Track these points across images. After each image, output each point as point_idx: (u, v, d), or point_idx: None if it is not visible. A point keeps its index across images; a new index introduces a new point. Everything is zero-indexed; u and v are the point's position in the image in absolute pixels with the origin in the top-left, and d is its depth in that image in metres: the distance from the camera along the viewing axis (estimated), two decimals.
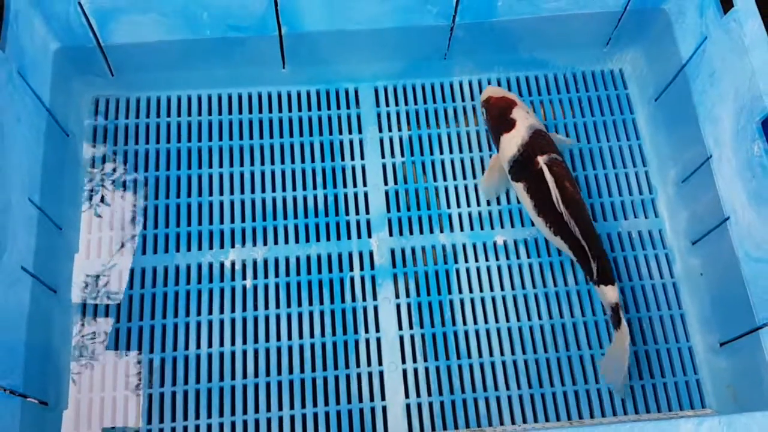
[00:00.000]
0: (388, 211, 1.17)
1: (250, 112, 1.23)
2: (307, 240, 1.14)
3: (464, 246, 1.15)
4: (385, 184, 1.18)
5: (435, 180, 1.19)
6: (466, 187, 1.19)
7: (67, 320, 1.06)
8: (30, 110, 1.02)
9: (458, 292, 1.11)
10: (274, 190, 1.17)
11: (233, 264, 1.12)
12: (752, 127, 0.96)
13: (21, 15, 1.00)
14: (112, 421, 1.02)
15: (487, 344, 1.09)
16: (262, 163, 1.19)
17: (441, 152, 1.21)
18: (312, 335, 1.08)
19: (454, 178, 1.19)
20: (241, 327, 1.08)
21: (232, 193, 1.17)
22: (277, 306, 1.10)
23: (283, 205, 1.16)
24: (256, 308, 1.09)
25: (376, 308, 1.10)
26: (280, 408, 1.04)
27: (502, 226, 1.16)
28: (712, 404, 1.06)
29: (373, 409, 1.04)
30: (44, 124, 1.06)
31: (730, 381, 1.03)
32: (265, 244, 1.13)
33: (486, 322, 1.10)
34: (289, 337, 1.08)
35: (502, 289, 1.12)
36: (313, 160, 1.20)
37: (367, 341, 1.08)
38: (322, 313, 1.09)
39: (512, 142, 1.10)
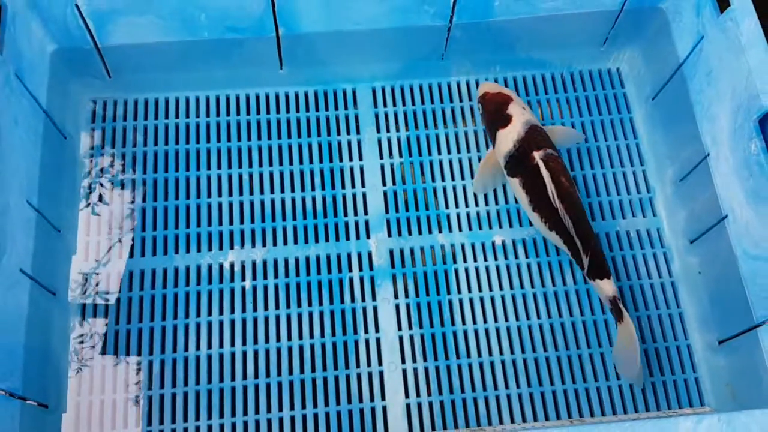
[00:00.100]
0: (387, 211, 1.17)
1: (248, 113, 1.23)
2: (306, 241, 1.14)
3: (463, 246, 1.15)
4: (384, 184, 1.19)
5: (433, 180, 1.19)
6: (464, 188, 1.19)
7: (66, 322, 1.06)
8: (27, 112, 1.02)
9: (457, 292, 1.12)
10: (272, 192, 1.17)
11: (232, 265, 1.12)
12: (749, 126, 0.96)
13: (18, 17, 1.00)
14: (112, 423, 1.02)
15: (487, 344, 1.09)
16: (261, 165, 1.19)
17: (439, 152, 1.21)
18: (312, 336, 1.08)
19: (453, 179, 1.19)
20: (241, 328, 1.08)
21: (230, 194, 1.17)
22: (277, 307, 1.10)
23: (282, 206, 1.16)
24: (255, 309, 1.09)
25: (375, 309, 1.10)
26: (281, 409, 1.04)
27: (501, 226, 1.16)
28: (710, 402, 1.07)
29: (373, 409, 1.04)
30: (42, 126, 1.06)
31: (729, 379, 1.03)
32: (264, 245, 1.13)
33: (485, 321, 1.10)
34: (289, 338, 1.08)
35: (501, 288, 1.12)
36: (311, 161, 1.20)
37: (367, 342, 1.08)
38: (321, 314, 1.09)
39: (508, 138, 1.11)
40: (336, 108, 1.24)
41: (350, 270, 1.12)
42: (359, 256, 1.13)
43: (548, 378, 1.07)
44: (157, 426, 1.02)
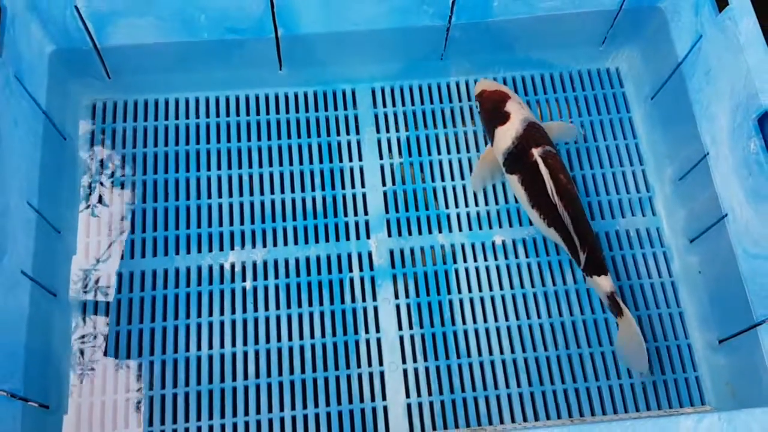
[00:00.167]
0: (387, 211, 1.17)
1: (248, 114, 1.23)
2: (306, 241, 1.14)
3: (463, 246, 1.15)
4: (384, 185, 1.19)
5: (433, 180, 1.19)
6: (464, 188, 1.19)
7: (67, 323, 1.06)
8: (27, 114, 1.02)
9: (457, 292, 1.12)
10: (272, 192, 1.17)
11: (233, 266, 1.12)
12: (749, 125, 0.96)
13: (18, 19, 1.00)
14: (114, 424, 1.02)
15: (487, 343, 1.09)
16: (261, 165, 1.19)
17: (439, 152, 1.21)
18: (312, 336, 1.08)
19: (452, 179, 1.19)
20: (242, 328, 1.08)
21: (230, 195, 1.17)
22: (277, 307, 1.10)
23: (282, 207, 1.16)
24: (256, 310, 1.09)
25: (375, 309, 1.10)
26: (282, 409, 1.04)
27: (501, 226, 1.17)
28: (711, 401, 1.07)
29: (374, 409, 1.04)
30: (41, 127, 1.06)
31: (729, 378, 1.04)
32: (264, 246, 1.13)
33: (485, 321, 1.10)
34: (290, 338, 1.08)
35: (501, 288, 1.12)
36: (311, 162, 1.20)
37: (368, 342, 1.08)
38: (322, 314, 1.09)
39: (507, 135, 1.11)
40: (335, 108, 1.24)
41: (350, 270, 1.12)
42: (359, 256, 1.13)
43: (548, 377, 1.07)
44: (158, 426, 1.02)
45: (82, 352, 1.05)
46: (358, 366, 1.07)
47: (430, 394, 1.06)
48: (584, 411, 1.06)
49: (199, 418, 1.03)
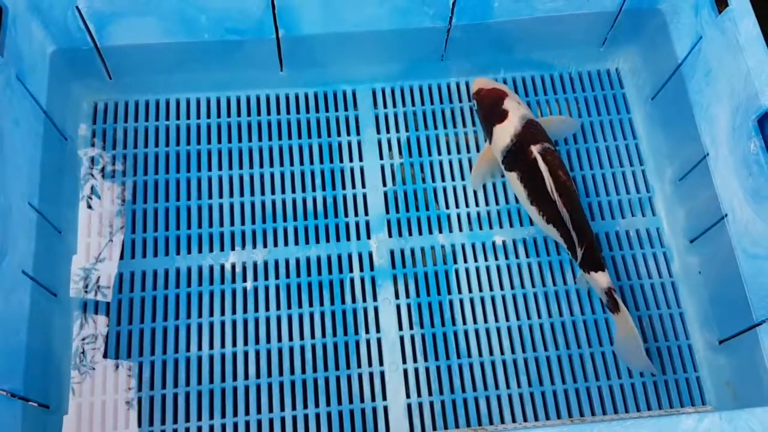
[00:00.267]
0: (387, 212, 1.17)
1: (249, 114, 1.23)
2: (307, 242, 1.14)
3: (463, 246, 1.15)
4: (384, 185, 1.19)
5: (433, 181, 1.19)
6: (464, 188, 1.19)
7: (67, 323, 1.06)
8: (28, 114, 1.02)
9: (458, 292, 1.12)
10: (273, 193, 1.17)
11: (233, 266, 1.12)
12: (749, 125, 0.96)
13: (19, 19, 1.00)
14: (114, 424, 1.02)
15: (487, 343, 1.09)
16: (261, 166, 1.19)
17: (439, 153, 1.22)
18: (313, 336, 1.08)
19: (453, 179, 1.20)
20: (242, 329, 1.08)
21: (231, 195, 1.17)
22: (278, 308, 1.10)
23: (283, 207, 1.16)
24: (256, 310, 1.09)
25: (376, 309, 1.10)
26: (282, 409, 1.04)
27: (501, 226, 1.17)
28: (711, 401, 1.07)
29: (374, 409, 1.04)
30: (42, 127, 1.06)
31: (730, 378, 1.04)
32: (265, 246, 1.14)
33: (486, 321, 1.10)
34: (290, 339, 1.08)
35: (502, 288, 1.12)
36: (311, 162, 1.20)
37: (368, 342, 1.08)
38: (322, 315, 1.09)
39: (505, 133, 1.11)
40: (336, 109, 1.24)
41: (351, 270, 1.13)
42: (360, 256, 1.14)
43: (549, 377, 1.07)
44: (158, 426, 1.02)
45: (82, 352, 1.05)
46: (359, 366, 1.07)
47: (430, 394, 1.06)
48: (584, 411, 1.06)
49: (199, 418, 1.03)
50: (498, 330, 1.10)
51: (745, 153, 0.97)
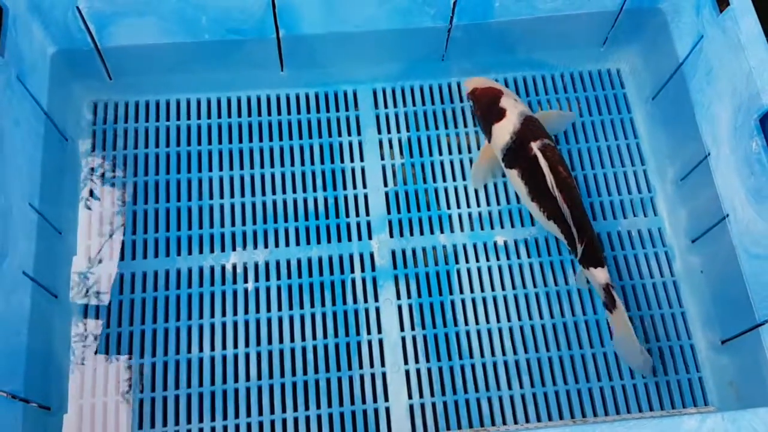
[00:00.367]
0: (389, 212, 1.17)
1: (249, 115, 1.23)
2: (308, 242, 1.14)
3: (464, 246, 1.15)
4: (385, 185, 1.19)
5: (434, 181, 1.19)
6: (465, 188, 1.19)
7: (68, 324, 1.06)
8: (29, 115, 1.02)
9: (459, 293, 1.12)
10: (274, 193, 1.17)
11: (234, 267, 1.12)
12: (750, 125, 0.96)
13: (19, 19, 1.00)
14: (115, 425, 1.01)
15: (489, 344, 1.09)
16: (262, 166, 1.19)
17: (440, 153, 1.21)
18: (314, 337, 1.08)
19: (454, 179, 1.19)
20: (243, 330, 1.08)
21: (232, 196, 1.17)
22: (279, 308, 1.09)
23: (284, 207, 1.16)
24: (257, 311, 1.09)
25: (377, 309, 1.10)
26: (284, 410, 1.04)
27: (502, 227, 1.17)
28: (714, 401, 1.07)
29: (376, 411, 1.04)
30: (43, 128, 1.06)
31: (732, 378, 1.03)
32: (266, 246, 1.13)
33: (487, 321, 1.10)
34: (292, 340, 1.08)
35: (503, 288, 1.12)
36: (312, 163, 1.20)
37: (369, 343, 1.08)
38: (324, 315, 1.09)
39: (504, 131, 1.11)
40: (337, 109, 1.24)
41: (352, 271, 1.12)
42: (361, 257, 1.13)
43: (551, 377, 1.07)
44: (159, 428, 1.02)
45: (83, 354, 1.05)
46: (360, 367, 1.06)
47: (432, 395, 1.05)
48: (587, 411, 1.05)
49: (201, 420, 1.03)
50: (500, 330, 1.10)
51: (747, 152, 0.97)
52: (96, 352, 1.05)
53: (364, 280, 1.12)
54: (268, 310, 1.09)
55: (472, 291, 1.12)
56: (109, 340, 1.06)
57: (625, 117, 1.26)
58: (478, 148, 1.22)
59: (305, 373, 1.06)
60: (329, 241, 1.14)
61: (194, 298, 1.09)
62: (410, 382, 1.06)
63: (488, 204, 1.18)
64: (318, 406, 1.04)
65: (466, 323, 1.10)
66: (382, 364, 1.07)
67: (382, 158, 1.21)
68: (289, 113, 1.23)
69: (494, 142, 1.14)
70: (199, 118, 1.22)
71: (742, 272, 0.99)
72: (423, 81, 1.26)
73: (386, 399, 1.05)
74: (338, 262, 1.13)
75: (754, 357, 0.97)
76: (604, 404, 1.06)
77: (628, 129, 1.25)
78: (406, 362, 1.07)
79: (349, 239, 1.15)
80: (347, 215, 1.16)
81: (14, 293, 0.93)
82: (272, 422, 1.03)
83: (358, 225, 1.16)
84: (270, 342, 1.07)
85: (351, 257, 1.13)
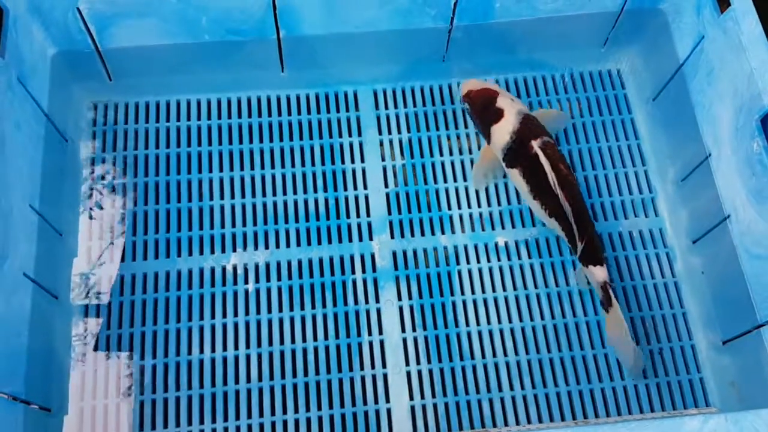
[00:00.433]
0: (389, 213, 1.17)
1: (249, 115, 1.23)
2: (309, 243, 1.14)
3: (465, 247, 1.15)
4: (386, 186, 1.19)
5: (435, 182, 1.19)
6: (466, 189, 1.19)
7: (68, 326, 1.05)
8: (29, 116, 1.01)
9: (460, 294, 1.11)
10: (274, 194, 1.17)
11: (235, 268, 1.11)
12: (751, 125, 0.96)
13: (19, 21, 1.00)
14: (116, 427, 1.01)
15: (491, 345, 1.09)
16: (263, 167, 1.19)
17: (441, 154, 1.21)
18: (315, 338, 1.08)
19: (455, 180, 1.19)
20: (244, 331, 1.08)
21: (232, 197, 1.16)
22: (280, 310, 1.09)
23: (284, 208, 1.16)
24: (258, 312, 1.09)
25: (378, 311, 1.10)
26: (284, 412, 1.03)
27: (503, 227, 1.16)
28: (715, 402, 1.07)
29: (377, 412, 1.04)
30: (43, 129, 1.05)
31: (734, 378, 1.03)
32: (266, 247, 1.13)
33: (489, 323, 1.10)
34: (292, 341, 1.07)
35: (504, 289, 1.12)
36: (313, 164, 1.20)
37: (371, 344, 1.08)
38: (324, 317, 1.09)
39: (504, 131, 1.11)
40: (337, 110, 1.24)
41: (353, 272, 1.12)
42: (362, 258, 1.13)
43: (552, 379, 1.07)
44: (160, 429, 1.01)
45: (83, 355, 1.05)
46: (361, 368, 1.06)
47: (433, 396, 1.05)
48: (588, 413, 1.05)
49: (201, 422, 1.02)
50: (501, 331, 1.09)
51: (748, 153, 0.97)
52: (97, 354, 1.05)
53: (365, 281, 1.12)
54: (269, 311, 1.09)
55: (473, 292, 1.12)
56: (110, 342, 1.06)
57: (626, 118, 1.26)
58: (479, 149, 1.22)
59: (306, 374, 1.06)
60: (330, 242, 1.14)
61: (195, 299, 1.09)
62: (411, 383, 1.06)
63: (489, 205, 1.18)
64: (319, 408, 1.04)
65: (467, 324, 1.10)
66: (383, 365, 1.07)
67: (383, 159, 1.21)
68: (289, 114, 1.23)
69: (494, 143, 1.14)
70: (199, 119, 1.22)
71: (743, 273, 0.99)
72: (424, 82, 1.26)
73: (387, 400, 1.05)
74: (339, 263, 1.13)
75: (755, 357, 0.97)
76: (606, 405, 1.06)
77: (629, 130, 1.25)
78: (407, 363, 1.07)
79: (350, 240, 1.14)
80: (348, 216, 1.16)
81: (15, 295, 0.93)
82: (273, 424, 1.03)
83: (359, 226, 1.16)
84: (271, 343, 1.07)
85: (352, 258, 1.13)
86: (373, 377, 1.06)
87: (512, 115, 1.12)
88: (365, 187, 1.18)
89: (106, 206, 1.14)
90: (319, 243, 1.14)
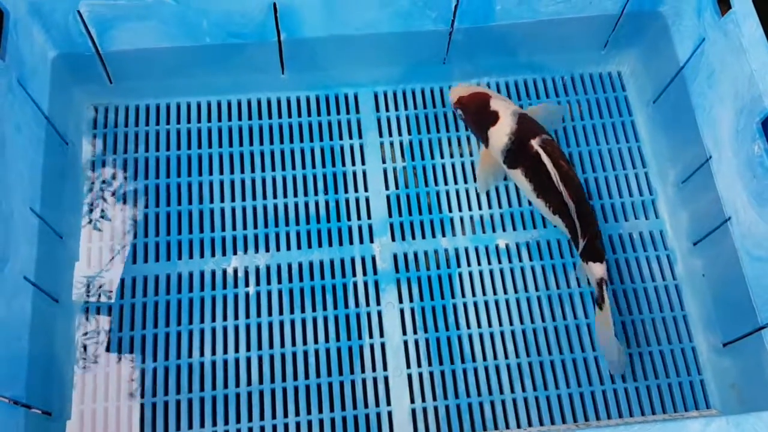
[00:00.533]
0: (390, 215, 1.17)
1: (250, 118, 1.23)
2: (310, 246, 1.14)
3: (466, 250, 1.15)
4: (386, 188, 1.19)
5: (436, 184, 1.19)
6: (467, 191, 1.19)
7: (69, 329, 1.05)
8: (29, 119, 1.01)
9: (461, 296, 1.11)
10: (275, 197, 1.17)
11: (236, 271, 1.11)
12: (752, 128, 0.96)
13: (20, 23, 1.00)
14: (117, 430, 1.01)
15: (491, 347, 1.08)
16: (263, 170, 1.19)
17: (442, 156, 1.21)
18: (316, 341, 1.08)
19: (455, 182, 1.19)
20: (245, 334, 1.08)
21: (233, 199, 1.16)
22: (281, 312, 1.09)
23: (285, 211, 1.16)
24: (259, 315, 1.09)
25: (379, 313, 1.10)
26: (286, 415, 1.03)
27: (504, 230, 1.16)
28: (716, 405, 1.07)
29: (378, 415, 1.04)
30: (43, 132, 1.05)
31: (734, 381, 1.03)
32: (267, 250, 1.13)
33: (490, 325, 1.10)
34: (293, 344, 1.07)
35: (505, 292, 1.12)
36: (313, 166, 1.20)
37: (372, 346, 1.08)
38: (325, 319, 1.09)
39: (501, 133, 1.11)
40: (338, 112, 1.24)
41: (354, 275, 1.12)
42: (363, 260, 1.13)
43: (553, 381, 1.07)
44: None
45: (84, 358, 1.04)
46: (362, 371, 1.06)
47: (434, 398, 1.05)
48: (589, 415, 1.05)
49: (202, 425, 1.02)
50: (502, 334, 1.09)
51: (749, 155, 0.97)
52: (98, 357, 1.05)
53: (365, 284, 1.12)
54: (270, 313, 1.09)
55: (474, 294, 1.12)
56: (110, 345, 1.06)
57: (626, 120, 1.26)
58: (480, 151, 1.22)
59: (307, 377, 1.05)
60: (330, 244, 1.14)
61: (195, 302, 1.09)
62: (412, 385, 1.06)
63: (489, 207, 1.18)
64: (320, 411, 1.04)
65: (468, 326, 1.10)
66: (384, 368, 1.07)
67: (384, 161, 1.21)
68: (290, 116, 1.23)
69: (492, 146, 1.14)
70: (199, 121, 1.22)
71: (744, 275, 0.99)
72: (424, 84, 1.26)
73: (388, 403, 1.05)
74: (340, 266, 1.13)
75: (756, 360, 0.97)
76: (607, 407, 1.06)
77: (630, 132, 1.25)
78: (408, 366, 1.07)
79: (351, 242, 1.14)
80: (348, 218, 1.16)
81: (15, 298, 0.93)
82: (274, 427, 1.03)
83: (360, 228, 1.15)
84: (271, 346, 1.07)
85: (353, 260, 1.13)
86: (374, 380, 1.06)
87: (508, 116, 1.12)
88: (366, 190, 1.18)
89: (107, 209, 1.14)
90: (320, 245, 1.14)
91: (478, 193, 1.19)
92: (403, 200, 1.18)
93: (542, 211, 1.12)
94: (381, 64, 1.23)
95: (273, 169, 1.19)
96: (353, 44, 1.17)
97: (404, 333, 1.09)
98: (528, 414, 1.05)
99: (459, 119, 1.23)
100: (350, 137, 1.22)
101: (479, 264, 1.14)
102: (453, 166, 1.21)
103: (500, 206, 1.18)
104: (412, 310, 1.10)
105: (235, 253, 1.13)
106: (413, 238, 1.15)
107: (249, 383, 1.05)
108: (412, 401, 1.05)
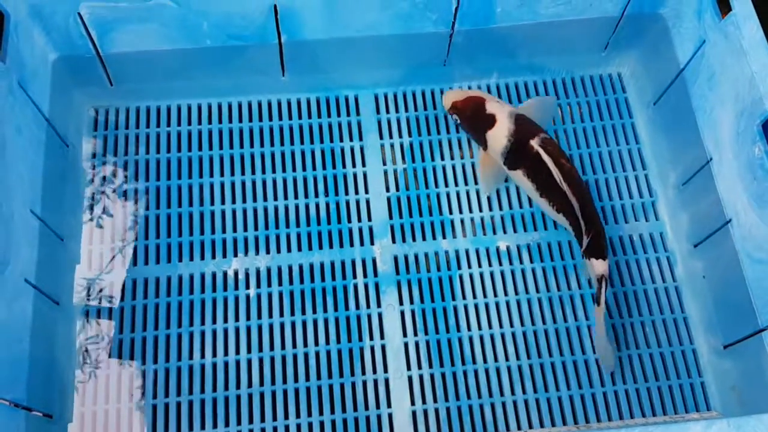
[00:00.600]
0: (391, 217, 1.17)
1: (251, 120, 1.23)
2: (310, 248, 1.14)
3: (467, 252, 1.15)
4: (387, 190, 1.19)
5: (437, 186, 1.19)
6: (468, 193, 1.19)
7: (70, 332, 1.05)
8: (30, 121, 1.01)
9: (462, 298, 1.11)
10: (275, 199, 1.17)
11: (236, 273, 1.11)
12: (753, 130, 0.96)
13: (20, 25, 1.00)
14: None
15: (492, 349, 1.09)
16: (263, 172, 1.19)
17: (442, 158, 1.21)
18: (317, 343, 1.08)
19: (456, 184, 1.19)
20: (246, 336, 1.08)
21: (233, 201, 1.16)
22: (281, 314, 1.09)
23: (285, 213, 1.16)
24: (260, 317, 1.09)
25: (380, 315, 1.10)
26: (286, 417, 1.03)
27: (505, 232, 1.16)
28: (717, 407, 1.07)
29: (379, 417, 1.04)
30: (44, 134, 1.05)
31: (735, 383, 1.03)
32: (267, 252, 1.13)
33: (491, 327, 1.10)
34: (294, 346, 1.07)
35: (506, 294, 1.12)
36: (314, 168, 1.20)
37: (372, 348, 1.08)
38: (326, 321, 1.09)
39: (500, 135, 1.11)
40: (338, 115, 1.24)
41: (355, 277, 1.12)
42: (363, 262, 1.13)
43: (554, 383, 1.07)
44: None
45: (85, 361, 1.04)
46: (363, 373, 1.06)
47: (435, 401, 1.05)
48: (590, 417, 1.05)
49: (203, 427, 1.02)
50: (503, 336, 1.09)
51: (750, 157, 0.97)
52: (98, 360, 1.05)
53: (366, 286, 1.12)
54: (270, 316, 1.09)
55: (474, 296, 1.12)
56: (111, 347, 1.06)
57: (627, 122, 1.26)
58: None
59: (307, 379, 1.05)
60: (331, 246, 1.14)
61: (196, 304, 1.09)
62: (413, 387, 1.06)
63: (490, 209, 1.18)
64: (321, 413, 1.04)
65: (469, 328, 1.10)
66: (385, 370, 1.07)
67: (384, 163, 1.21)
68: (290, 118, 1.23)
69: (492, 148, 1.14)
70: (200, 123, 1.22)
71: (744, 277, 0.99)
72: (425, 86, 1.26)
73: (389, 405, 1.05)
74: (340, 268, 1.13)
75: (756, 362, 0.97)
76: (608, 409, 1.06)
77: (630, 134, 1.25)
78: (408, 368, 1.07)
79: (351, 245, 1.14)
80: (349, 221, 1.16)
81: (16, 300, 0.93)
82: (275, 429, 1.03)
83: (360, 230, 1.16)
84: (272, 348, 1.07)
85: (353, 263, 1.13)
86: (375, 382, 1.06)
87: (505, 118, 1.12)
88: (366, 192, 1.18)
89: (108, 211, 1.14)
90: (320, 247, 1.14)
91: (478, 194, 1.19)
92: (404, 202, 1.18)
93: (546, 211, 1.12)
94: (381, 66, 1.23)
95: (273, 171, 1.19)
96: (354, 46, 1.17)
97: (405, 335, 1.09)
98: (528, 416, 1.05)
99: (454, 124, 1.22)
100: (351, 139, 1.22)
101: (480, 266, 1.14)
102: (453, 167, 1.21)
103: (501, 208, 1.18)
104: (413, 312, 1.10)
105: (235, 255, 1.13)
106: (414, 239, 1.15)
107: (250, 385, 1.05)
108: (413, 403, 1.05)
